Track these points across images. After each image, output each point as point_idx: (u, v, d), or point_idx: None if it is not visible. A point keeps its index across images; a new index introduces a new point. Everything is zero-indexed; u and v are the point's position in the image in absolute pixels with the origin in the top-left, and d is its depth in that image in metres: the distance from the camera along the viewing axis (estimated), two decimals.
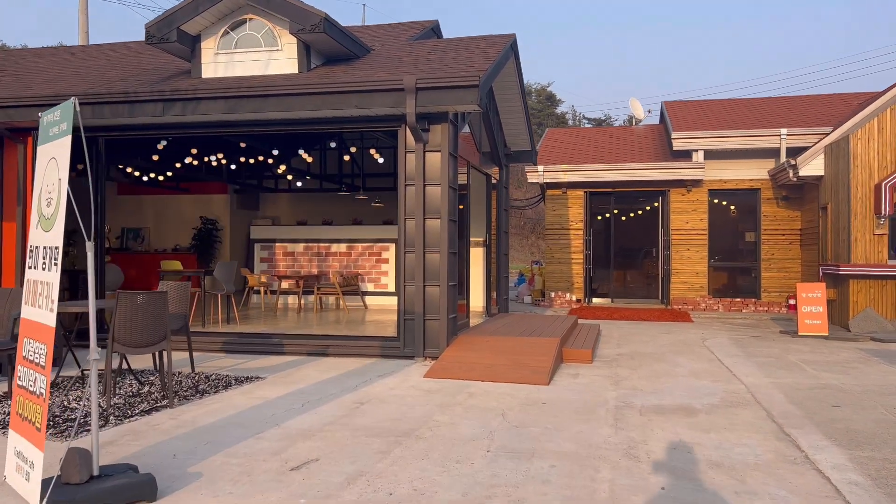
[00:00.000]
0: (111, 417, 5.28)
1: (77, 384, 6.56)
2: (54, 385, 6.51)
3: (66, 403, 5.76)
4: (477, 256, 11.60)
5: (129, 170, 16.05)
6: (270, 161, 15.12)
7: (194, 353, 8.48)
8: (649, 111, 20.37)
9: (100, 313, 9.17)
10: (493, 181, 11.89)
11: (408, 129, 8.24)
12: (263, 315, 11.63)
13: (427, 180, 8.23)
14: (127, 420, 5.26)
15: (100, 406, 5.64)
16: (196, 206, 17.97)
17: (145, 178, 16.17)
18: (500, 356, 7.77)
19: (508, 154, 12.48)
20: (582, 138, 18.79)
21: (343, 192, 16.37)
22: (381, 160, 12.59)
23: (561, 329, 9.53)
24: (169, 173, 16.55)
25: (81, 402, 5.79)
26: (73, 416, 5.32)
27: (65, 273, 11.86)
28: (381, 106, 7.85)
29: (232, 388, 6.52)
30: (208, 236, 17.29)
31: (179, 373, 7.17)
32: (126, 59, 11.62)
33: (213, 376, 6.99)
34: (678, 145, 15.34)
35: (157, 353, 6.63)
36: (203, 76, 9.19)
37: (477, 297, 11.67)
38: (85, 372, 6.81)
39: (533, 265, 21.81)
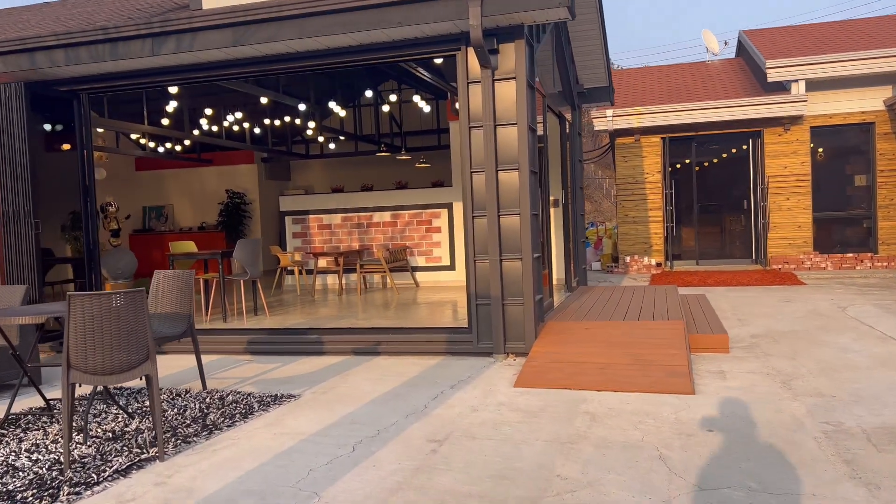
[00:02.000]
0: (65, 487, 3.47)
1: (44, 420, 4.79)
2: (9, 424, 4.76)
3: (11, 461, 3.97)
4: (554, 218, 9.57)
5: (143, 141, 14.33)
6: (298, 122, 13.20)
7: (213, 357, 6.68)
8: (725, 43, 17.83)
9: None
10: (567, 126, 9.76)
11: (470, 51, 6.18)
12: (299, 301, 9.81)
13: (498, 119, 6.19)
14: (89, 492, 3.44)
15: (59, 463, 3.83)
16: (221, 179, 16.23)
17: (161, 150, 14.43)
18: (612, 350, 5.77)
19: (582, 93, 10.32)
20: (651, 78, 16.41)
21: (383, 152, 14.39)
22: (426, 108, 10.55)
23: (672, 305, 7.48)
24: (187, 142, 14.82)
25: (36, 456, 4.00)
26: (11, 488, 3.53)
27: (68, 261, 10.21)
28: (435, 19, 5.80)
29: (254, 415, 4.67)
30: (236, 211, 15.56)
31: (187, 392, 5.36)
32: (121, 3, 9.75)
33: (230, 396, 5.16)
34: (774, 75, 12.92)
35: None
36: (203, 7, 7.26)
37: (556, 268, 9.65)
38: (53, 403, 5.04)
39: (589, 227, 19.66)
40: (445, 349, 6.40)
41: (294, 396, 5.13)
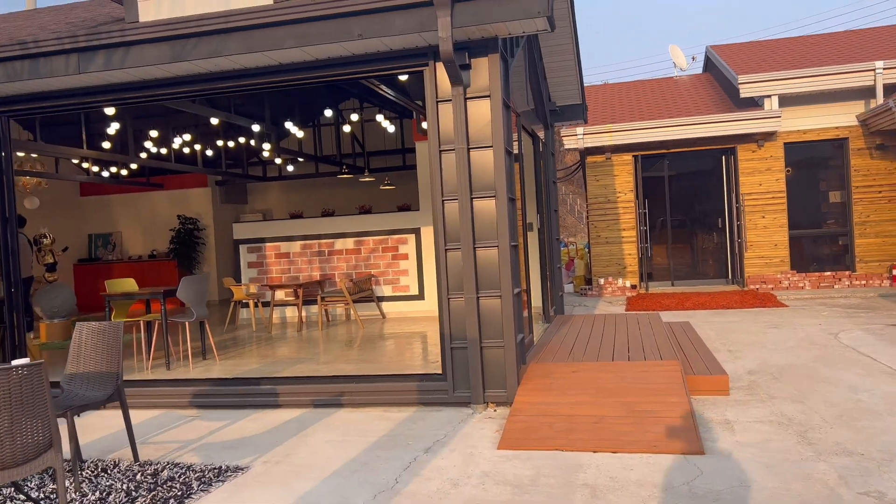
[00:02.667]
0: None
1: None
2: None
3: None
4: (530, 244, 8.98)
5: (85, 165, 13.40)
6: (253, 143, 12.43)
7: (154, 413, 5.87)
8: (693, 58, 17.60)
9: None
10: (541, 145, 9.20)
11: (439, 66, 5.56)
12: (254, 338, 9.01)
13: (472, 142, 5.57)
14: None
15: None
16: (173, 204, 15.32)
17: (105, 174, 13.50)
18: (605, 399, 5.15)
19: (554, 110, 9.78)
20: (620, 94, 16.04)
21: (344, 174, 13.67)
22: (391, 128, 9.90)
23: (659, 337, 6.91)
24: (134, 165, 13.92)
25: None
26: None
27: None
28: (400, 31, 5.16)
29: (192, 498, 3.90)
30: (189, 238, 14.66)
31: (115, 465, 4.56)
32: (52, 17, 8.93)
33: (165, 471, 4.38)
34: (747, 91, 12.60)
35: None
36: (141, 19, 6.53)
37: (533, 297, 9.04)
38: None
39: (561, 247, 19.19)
40: (417, 399, 5.70)
41: (242, 469, 4.37)
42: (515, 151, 6.49)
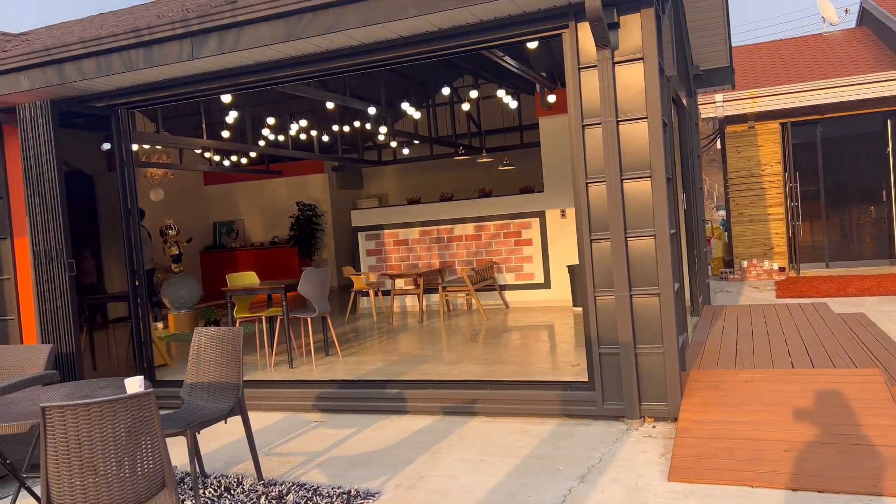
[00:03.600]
0: None
1: None
2: None
3: None
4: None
5: (207, 154, 13.58)
6: (369, 126, 12.09)
7: (279, 416, 5.55)
8: (846, 11, 15.65)
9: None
10: (685, 115, 8.19)
11: (581, 27, 4.80)
12: (375, 331, 8.64)
13: (621, 114, 4.78)
14: None
15: None
16: (291, 191, 15.36)
17: (227, 163, 13.64)
18: (793, 419, 4.27)
19: (697, 75, 8.72)
20: (763, 55, 14.48)
21: (461, 155, 13.09)
22: (512, 104, 9.18)
23: (841, 335, 5.86)
24: (253, 154, 13.99)
25: None
26: None
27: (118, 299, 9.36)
28: None
29: None
30: (308, 224, 14.62)
31: (238, 483, 4.20)
32: (176, 5, 8.81)
33: (291, 494, 3.95)
34: None
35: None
36: None
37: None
38: None
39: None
40: (560, 410, 5.04)
41: (373, 496, 3.88)
42: (669, 123, 5.62)
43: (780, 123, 12.14)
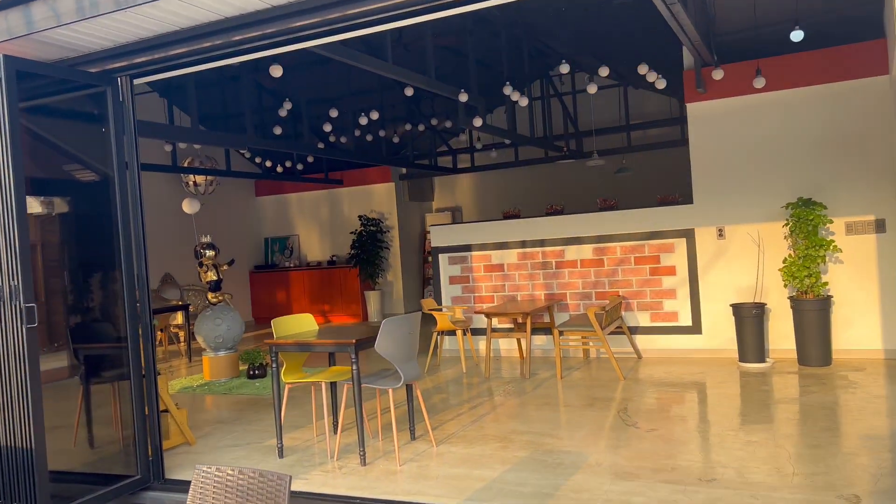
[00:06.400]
0: None
1: None
2: None
3: None
4: None
5: (257, 160, 11.64)
6: (449, 124, 9.92)
7: None
8: None
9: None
10: None
11: None
12: (468, 391, 6.38)
13: None
14: None
15: None
16: (353, 202, 13.31)
17: (279, 170, 11.67)
18: None
19: None
20: None
21: (564, 157, 10.76)
22: (661, 84, 6.83)
23: None
24: (309, 158, 12.02)
25: None
26: None
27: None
28: None
29: None
30: (371, 241, 12.52)
31: None
32: None
33: None
34: None
35: None
36: None
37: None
38: None
39: None
40: None
41: None
42: None
43: None
